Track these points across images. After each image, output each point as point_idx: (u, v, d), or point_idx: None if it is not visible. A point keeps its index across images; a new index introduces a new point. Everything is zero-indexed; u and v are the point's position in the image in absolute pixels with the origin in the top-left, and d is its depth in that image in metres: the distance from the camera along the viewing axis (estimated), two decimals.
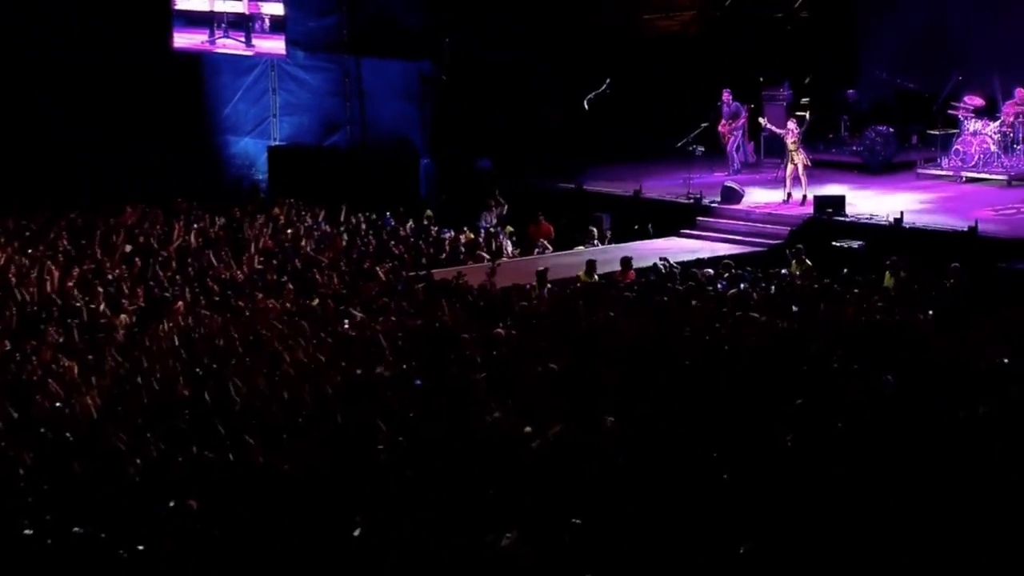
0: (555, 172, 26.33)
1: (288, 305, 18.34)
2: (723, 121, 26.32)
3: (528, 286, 18.81)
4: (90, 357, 15.88)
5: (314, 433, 12.62)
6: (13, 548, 10.26)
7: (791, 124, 24.18)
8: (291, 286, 19.56)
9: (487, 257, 21.91)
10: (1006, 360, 13.48)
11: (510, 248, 23.46)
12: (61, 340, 16.69)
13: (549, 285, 18.91)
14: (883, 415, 11.66)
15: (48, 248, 22.40)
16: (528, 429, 11.92)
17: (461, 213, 25.41)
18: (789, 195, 23.90)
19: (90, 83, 30.22)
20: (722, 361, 14.04)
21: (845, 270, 19.19)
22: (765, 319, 15.75)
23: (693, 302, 17.25)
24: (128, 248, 22.33)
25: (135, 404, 13.87)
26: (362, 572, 9.55)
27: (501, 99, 27.53)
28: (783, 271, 19.61)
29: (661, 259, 20.40)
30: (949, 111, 25.21)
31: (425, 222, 24.81)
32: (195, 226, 24.12)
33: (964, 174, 24.71)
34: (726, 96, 26.37)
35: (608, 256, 21.29)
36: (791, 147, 23.85)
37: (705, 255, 21.72)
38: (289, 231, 23.86)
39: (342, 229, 24.08)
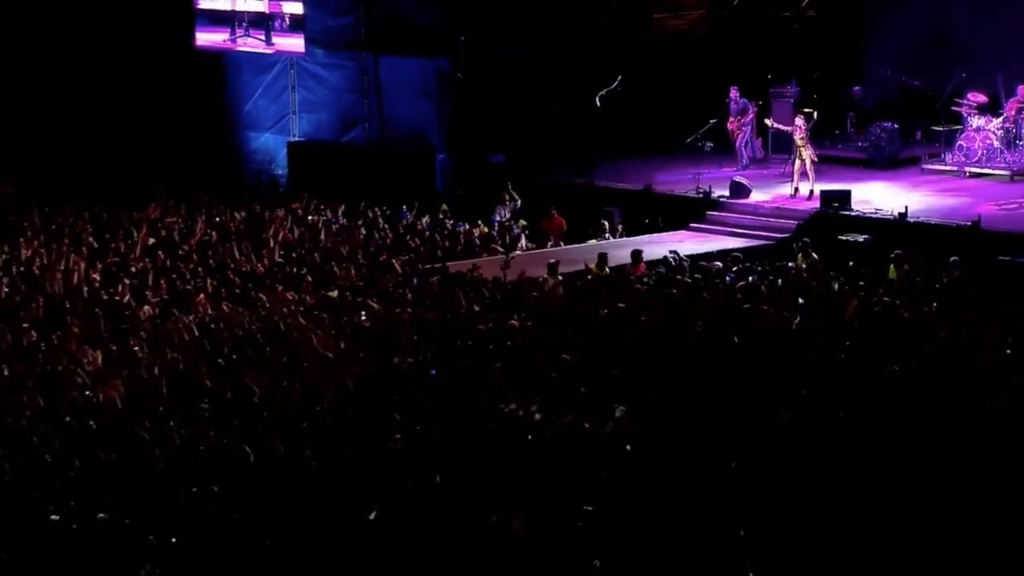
0: (566, 168, 26.30)
1: (307, 297, 18.35)
2: (731, 118, 26.28)
3: (541, 279, 18.79)
4: (114, 348, 15.92)
5: (332, 422, 12.63)
6: (40, 533, 10.29)
7: (799, 121, 24.18)
8: (310, 278, 19.58)
9: (501, 250, 21.90)
10: (1008, 352, 13.45)
11: (524, 242, 23.44)
12: (86, 331, 16.72)
13: (560, 277, 18.89)
14: (886, 412, 11.59)
15: (73, 242, 22.45)
16: (538, 416, 11.91)
17: (476, 208, 25.40)
18: (796, 190, 23.87)
19: (112, 83, 30.24)
20: (731, 352, 14.02)
21: (851, 263, 19.17)
22: (773, 311, 15.72)
23: (702, 294, 17.22)
24: (151, 241, 22.37)
25: (158, 394, 13.90)
26: (376, 557, 9.54)
27: (511, 97, 27.50)
28: (790, 264, 19.59)
29: (671, 252, 20.36)
30: (953, 108, 25.12)
31: (441, 216, 24.79)
32: (216, 220, 24.15)
33: (968, 169, 24.62)
34: (734, 93, 26.33)
35: (619, 249, 21.26)
36: (799, 143, 23.82)
37: (714, 248, 21.69)
38: (308, 223, 23.89)
39: (360, 223, 24.09)
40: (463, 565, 9.36)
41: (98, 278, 19.64)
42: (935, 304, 16.42)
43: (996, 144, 24.49)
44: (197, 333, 16.21)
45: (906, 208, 21.76)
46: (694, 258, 20.23)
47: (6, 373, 14.88)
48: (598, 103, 27.35)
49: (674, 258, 19.95)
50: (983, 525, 9.35)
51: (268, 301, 18.00)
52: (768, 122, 25.56)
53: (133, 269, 20.37)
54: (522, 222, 24.31)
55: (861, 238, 21.29)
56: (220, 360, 14.90)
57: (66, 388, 14.25)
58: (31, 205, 25.14)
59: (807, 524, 9.55)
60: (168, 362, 15.06)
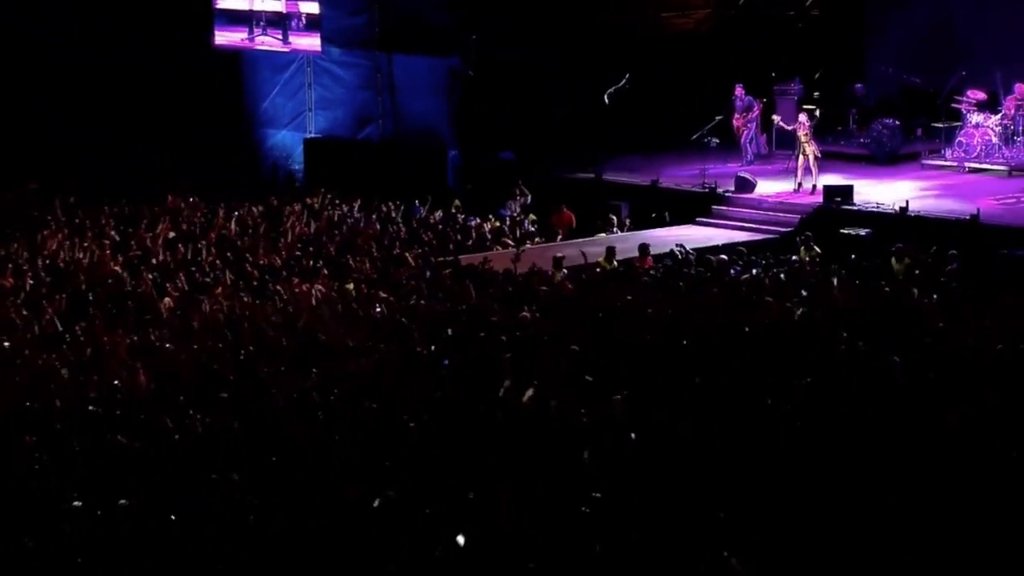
0: (571, 165, 26.29)
1: (323, 289, 18.37)
2: (736, 115, 26.27)
3: (549, 272, 18.79)
4: (137, 338, 15.95)
5: (347, 410, 12.64)
6: (63, 519, 10.31)
7: (802, 117, 24.20)
8: (326, 271, 19.60)
9: (511, 244, 21.91)
10: (1003, 346, 13.40)
11: (534, 235, 23.43)
12: (110, 322, 16.77)
13: (565, 271, 18.89)
14: (887, 407, 11.53)
15: (97, 235, 22.50)
16: (545, 404, 11.91)
17: (486, 202, 25.42)
18: (799, 185, 23.85)
19: (126, 84, 30.33)
20: (736, 344, 14.00)
21: (853, 256, 19.16)
22: (776, 303, 15.70)
23: (708, 287, 17.21)
24: (172, 235, 22.42)
25: (180, 383, 13.92)
26: (386, 544, 9.53)
27: (513, 97, 27.49)
28: (793, 257, 19.58)
29: (677, 246, 20.36)
30: (952, 105, 25.11)
31: (453, 211, 24.81)
32: (235, 214, 24.19)
33: (967, 165, 24.61)
34: (739, 91, 26.32)
35: (627, 243, 21.26)
36: (803, 139, 23.82)
37: (719, 242, 21.68)
38: (324, 217, 23.91)
39: (374, 217, 24.10)
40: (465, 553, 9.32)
41: (120, 270, 19.68)
42: (935, 296, 16.39)
43: (994, 140, 24.49)
44: (217, 323, 16.24)
45: (907, 202, 21.75)
46: (700, 251, 20.22)
47: (33, 361, 14.92)
48: (606, 101, 27.34)
49: (680, 251, 19.95)
50: (983, 525, 9.28)
51: (285, 293, 18.03)
52: (775, 119, 25.55)
53: (154, 261, 20.42)
54: (532, 216, 24.32)
55: (862, 232, 21.29)
56: (240, 350, 14.92)
57: (91, 376, 14.28)
58: (54, 199, 25.20)
59: (806, 517, 9.51)
60: (189, 351, 15.08)
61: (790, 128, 24.48)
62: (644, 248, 20.17)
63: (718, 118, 26.38)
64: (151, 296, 18.22)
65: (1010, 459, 10.26)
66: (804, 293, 16.32)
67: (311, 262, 20.40)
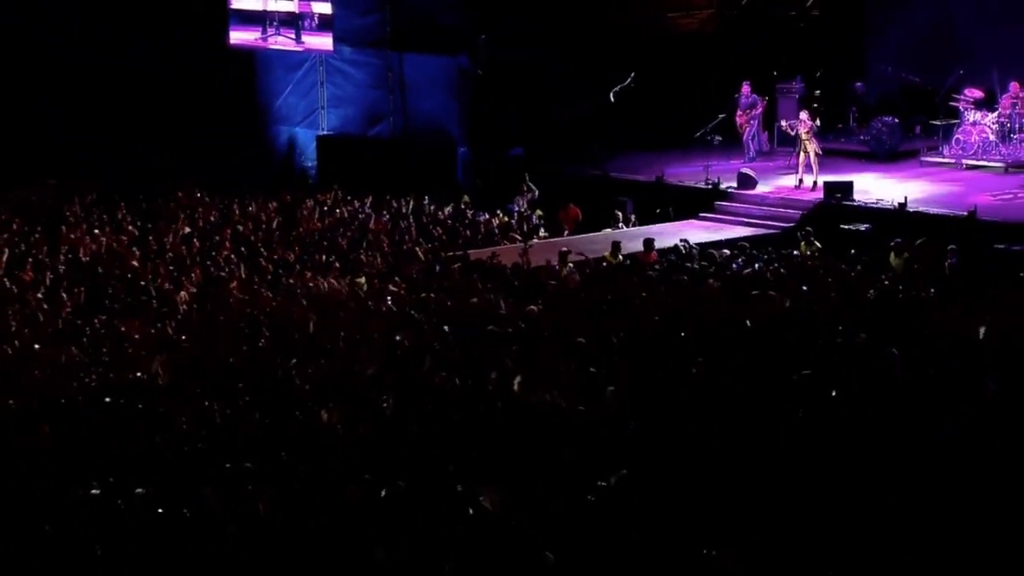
0: (576, 162, 26.28)
1: (335, 283, 18.38)
2: (740, 112, 26.23)
3: (555, 267, 18.79)
4: (155, 331, 15.97)
5: (357, 401, 12.64)
6: (82, 507, 10.33)
7: (804, 115, 24.18)
8: (338, 265, 19.61)
9: (519, 239, 21.91)
10: (1002, 339, 13.38)
11: (541, 230, 23.44)
12: (129, 315, 16.79)
13: (570, 265, 18.89)
14: (887, 403, 11.48)
15: (115, 229, 22.54)
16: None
17: (495, 198, 25.42)
18: (801, 181, 23.84)
19: (150, 82, 30.37)
20: (738, 336, 13.99)
21: (852, 251, 19.15)
22: (777, 296, 15.70)
23: (711, 281, 17.20)
24: (187, 230, 22.44)
25: (198, 375, 13.93)
26: (393, 533, 9.52)
27: (522, 95, 27.47)
28: (794, 252, 19.58)
29: (681, 240, 20.38)
30: (951, 103, 25.08)
31: (462, 206, 24.82)
32: (249, 210, 24.21)
33: (964, 162, 24.59)
34: (745, 89, 26.26)
35: (632, 238, 21.26)
36: (804, 137, 23.81)
37: (722, 237, 21.68)
38: (336, 213, 23.92)
39: (385, 213, 24.11)
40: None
41: (138, 264, 19.72)
42: (933, 290, 16.39)
43: (991, 137, 24.46)
44: (233, 317, 16.26)
45: (905, 199, 21.74)
46: (703, 246, 20.23)
47: (53, 353, 14.96)
48: (612, 99, 27.32)
49: (684, 246, 19.98)
50: (983, 525, 9.24)
51: (298, 287, 18.05)
52: (782, 123, 25.53)
53: (171, 255, 20.45)
54: (539, 212, 24.33)
55: (862, 227, 21.28)
56: (257, 342, 14.93)
57: (111, 367, 14.31)
58: (73, 195, 25.23)
59: (805, 512, 9.47)
60: (207, 344, 15.10)
61: (792, 131, 24.47)
62: (649, 243, 20.18)
63: (721, 116, 26.39)
64: (168, 289, 18.24)
65: (1009, 454, 10.23)
66: (804, 288, 16.32)
67: (324, 257, 20.41)
